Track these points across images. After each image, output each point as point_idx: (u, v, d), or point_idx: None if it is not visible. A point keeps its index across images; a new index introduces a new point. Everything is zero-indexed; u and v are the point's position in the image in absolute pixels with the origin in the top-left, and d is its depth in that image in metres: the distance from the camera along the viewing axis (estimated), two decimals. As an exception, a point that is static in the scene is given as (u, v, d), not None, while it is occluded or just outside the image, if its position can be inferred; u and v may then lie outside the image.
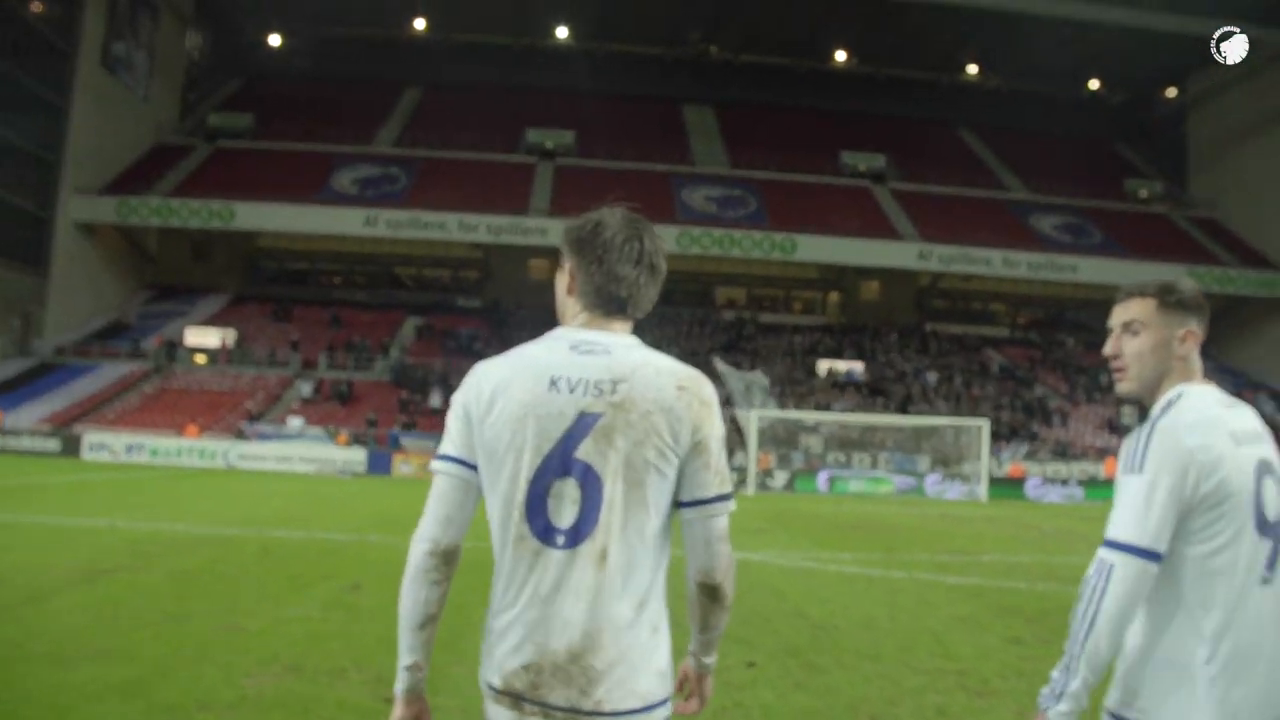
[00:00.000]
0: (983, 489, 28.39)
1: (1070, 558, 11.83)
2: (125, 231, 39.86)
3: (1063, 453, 33.22)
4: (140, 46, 41.11)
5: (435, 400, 33.60)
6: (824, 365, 38.53)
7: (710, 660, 1.86)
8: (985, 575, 10.01)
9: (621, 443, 1.66)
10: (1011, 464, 31.57)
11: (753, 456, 28.12)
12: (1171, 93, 49.04)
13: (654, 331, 38.05)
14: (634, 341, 1.77)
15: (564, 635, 1.64)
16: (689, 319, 41.76)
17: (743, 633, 6.16)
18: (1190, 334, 1.91)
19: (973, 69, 49.79)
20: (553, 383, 1.69)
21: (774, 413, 31.36)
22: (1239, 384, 35.98)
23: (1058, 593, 8.51)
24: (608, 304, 1.77)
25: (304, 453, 28.96)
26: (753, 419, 28.63)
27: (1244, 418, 1.89)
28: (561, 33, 48.01)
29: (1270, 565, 1.80)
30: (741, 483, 26.80)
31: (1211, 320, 1.99)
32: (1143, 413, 1.96)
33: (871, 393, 36.69)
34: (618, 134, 44.26)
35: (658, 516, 1.69)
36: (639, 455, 1.66)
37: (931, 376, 38.37)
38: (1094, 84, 50.26)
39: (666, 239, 1.83)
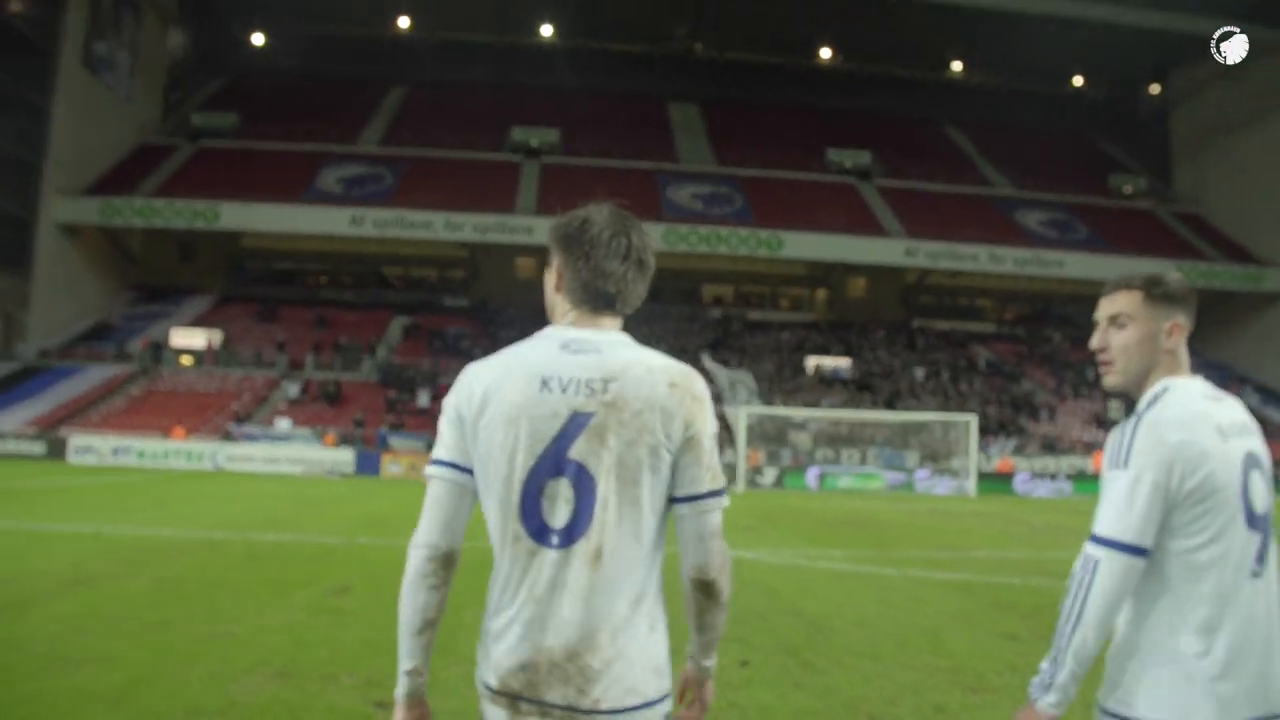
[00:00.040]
0: (971, 484, 28.50)
1: (1061, 552, 11.84)
2: (109, 233, 39.57)
3: (1051, 447, 33.39)
4: (122, 46, 40.79)
5: (423, 400, 33.53)
6: (812, 362, 38.61)
7: (709, 663, 1.84)
8: (977, 571, 10.01)
9: (614, 442, 1.66)
10: (1000, 459, 31.72)
11: (742, 454, 28.14)
12: (1155, 89, 49.35)
13: (641, 329, 37.68)
14: (624, 339, 1.77)
15: (561, 634, 1.64)
16: (676, 317, 41.77)
17: (737, 631, 6.12)
18: (1177, 327, 1.90)
19: (958, 66, 50.04)
20: (544, 383, 1.69)
21: (763, 409, 31.40)
22: (1224, 378, 36.21)
23: (1050, 588, 8.50)
24: (596, 300, 1.77)
25: (292, 454, 28.83)
26: (742, 416, 28.67)
27: (1231, 410, 1.88)
28: (546, 30, 47.96)
29: (1260, 559, 1.81)
30: (731, 480, 26.84)
31: (1196, 314, 1.97)
32: (1129, 406, 1.95)
33: (859, 389, 36.79)
34: (603, 132, 44.24)
35: (652, 514, 1.69)
36: (632, 454, 1.66)
37: (919, 372, 38.52)
38: (1078, 80, 50.59)
39: (652, 237, 1.82)
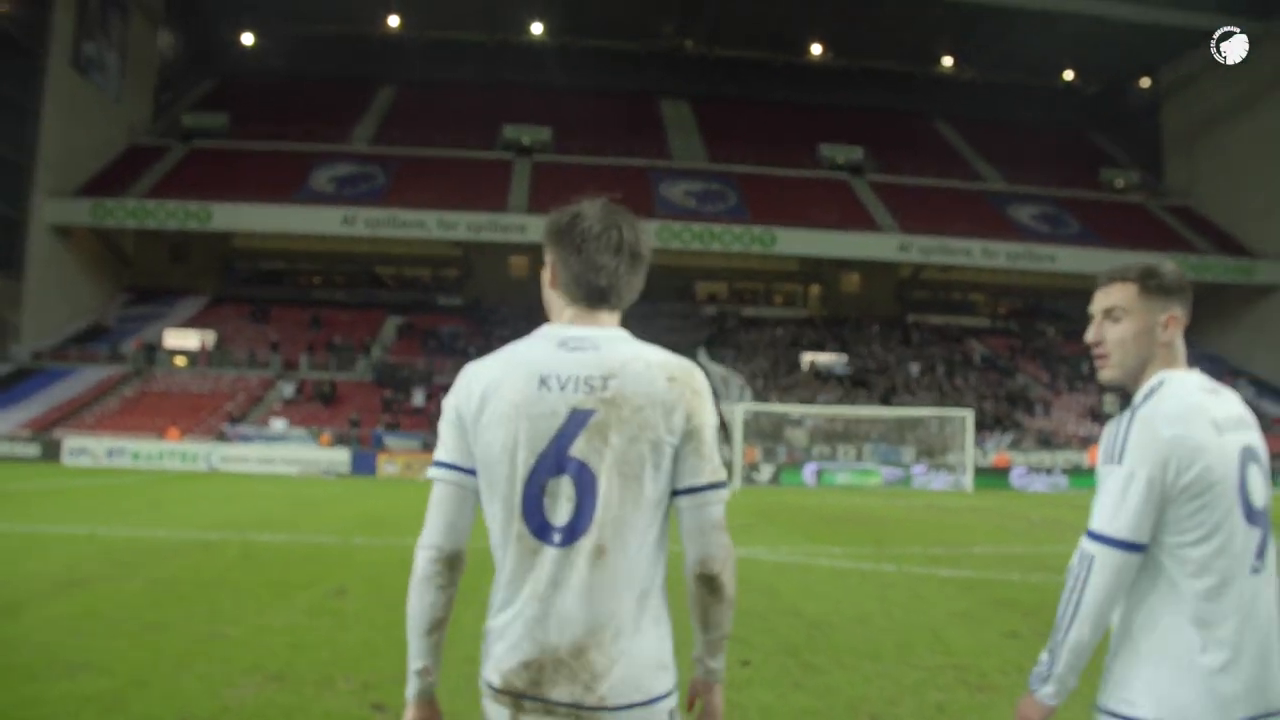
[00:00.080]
0: (968, 479, 28.54)
1: (1060, 547, 11.83)
2: (101, 234, 39.40)
3: (1046, 442, 33.44)
4: (111, 46, 40.58)
5: (418, 399, 33.47)
6: (807, 358, 38.61)
7: (717, 665, 1.82)
8: (977, 568, 9.98)
9: (615, 438, 1.66)
10: (996, 453, 31.76)
11: (738, 450, 28.13)
12: (1145, 82, 49.40)
13: (635, 326, 37.43)
14: (622, 334, 1.78)
15: (565, 631, 1.64)
16: (670, 314, 41.72)
17: (737, 631, 6.03)
18: (1173, 319, 1.88)
19: (948, 61, 50.04)
20: (543, 381, 1.69)
21: (758, 406, 31.39)
22: (1218, 370, 36.30)
23: (1051, 584, 8.46)
24: (589, 294, 1.77)
25: (287, 454, 28.77)
26: (738, 412, 28.66)
27: (1227, 404, 1.86)
28: (536, 28, 47.85)
29: (1259, 554, 1.79)
30: (728, 477, 26.78)
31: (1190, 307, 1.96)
32: (1125, 400, 1.93)
33: (855, 385, 36.80)
34: (594, 129, 44.13)
35: (655, 511, 1.69)
36: (633, 450, 1.66)
37: (914, 367, 38.56)
38: (1068, 75, 50.63)
39: (647, 233, 1.82)
